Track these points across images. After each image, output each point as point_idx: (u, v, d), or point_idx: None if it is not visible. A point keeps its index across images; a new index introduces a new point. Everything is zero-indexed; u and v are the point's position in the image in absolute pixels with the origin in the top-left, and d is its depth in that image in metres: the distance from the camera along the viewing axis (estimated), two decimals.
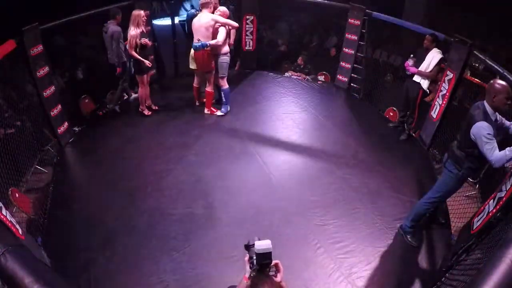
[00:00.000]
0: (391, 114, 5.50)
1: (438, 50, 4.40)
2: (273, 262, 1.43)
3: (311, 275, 2.99)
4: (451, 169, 2.95)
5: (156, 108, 5.31)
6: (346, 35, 5.86)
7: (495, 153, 2.55)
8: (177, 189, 3.87)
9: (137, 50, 4.56)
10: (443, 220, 3.58)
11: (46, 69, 4.17)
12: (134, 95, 5.65)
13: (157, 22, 7.98)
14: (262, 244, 1.40)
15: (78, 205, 3.70)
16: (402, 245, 3.30)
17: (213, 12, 4.59)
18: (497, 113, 2.71)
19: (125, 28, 4.71)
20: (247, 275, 1.46)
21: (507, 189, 2.66)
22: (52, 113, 4.35)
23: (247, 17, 6.17)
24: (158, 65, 6.16)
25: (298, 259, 3.08)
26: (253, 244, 1.43)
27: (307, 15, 7.75)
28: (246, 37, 6.32)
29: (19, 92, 4.70)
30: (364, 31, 5.64)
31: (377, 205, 3.72)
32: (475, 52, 4.03)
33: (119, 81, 5.19)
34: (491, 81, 2.72)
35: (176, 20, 6.67)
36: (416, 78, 4.54)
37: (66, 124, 4.61)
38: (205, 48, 4.52)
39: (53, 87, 4.35)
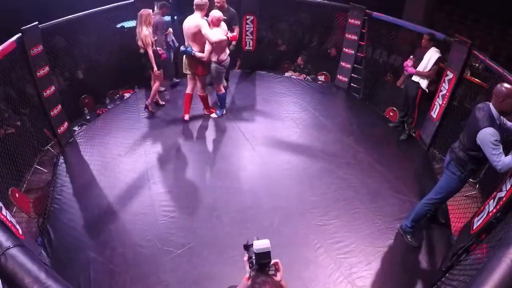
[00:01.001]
0: (391, 114, 5.51)
1: (436, 49, 4.40)
2: (273, 261, 1.43)
3: (311, 275, 2.99)
4: (454, 171, 2.94)
5: (163, 103, 5.46)
6: (346, 35, 5.86)
7: (502, 159, 2.54)
8: (177, 189, 3.88)
9: (153, 47, 4.72)
10: (443, 220, 3.58)
11: (46, 69, 4.17)
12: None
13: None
14: (261, 244, 1.40)
15: (78, 205, 3.70)
16: (402, 245, 3.30)
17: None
18: (501, 116, 2.70)
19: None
20: (247, 275, 1.46)
21: (507, 189, 2.66)
22: (52, 113, 4.35)
23: (247, 17, 6.17)
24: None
25: (298, 259, 3.08)
26: (252, 244, 1.43)
27: (307, 15, 7.74)
28: (246, 37, 6.32)
29: (19, 92, 4.70)
30: (364, 31, 5.65)
31: (377, 205, 3.72)
32: (475, 52, 4.04)
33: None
34: (498, 85, 2.66)
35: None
36: (415, 78, 4.54)
37: (66, 124, 4.61)
38: (191, 55, 4.40)
39: (53, 87, 4.34)
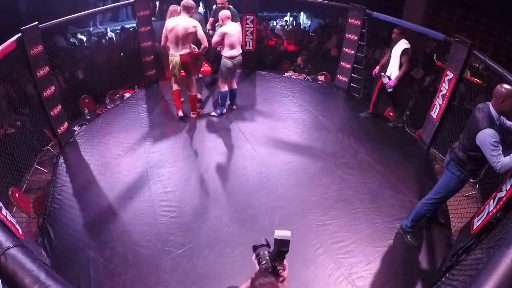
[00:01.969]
0: (391, 114, 5.50)
1: (405, 41, 4.59)
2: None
3: (311, 275, 2.98)
4: (454, 171, 2.94)
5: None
6: (346, 35, 5.86)
7: (501, 160, 2.55)
8: (177, 189, 3.87)
9: None
10: (443, 220, 3.58)
11: (46, 69, 4.17)
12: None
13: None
14: (282, 232, 1.44)
15: (78, 205, 3.70)
16: (402, 245, 3.30)
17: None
18: (501, 117, 2.70)
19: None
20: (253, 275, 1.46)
21: (507, 189, 2.65)
22: (52, 113, 4.35)
23: (247, 17, 6.17)
24: (158, 65, 6.16)
25: (298, 259, 3.07)
26: (261, 245, 1.45)
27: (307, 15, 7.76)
28: (246, 37, 6.32)
29: (19, 92, 4.70)
30: (364, 31, 5.65)
31: (377, 205, 3.72)
32: (475, 52, 4.03)
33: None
34: (498, 86, 2.66)
35: None
36: (388, 72, 4.75)
37: (66, 124, 4.61)
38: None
39: (53, 87, 4.34)
